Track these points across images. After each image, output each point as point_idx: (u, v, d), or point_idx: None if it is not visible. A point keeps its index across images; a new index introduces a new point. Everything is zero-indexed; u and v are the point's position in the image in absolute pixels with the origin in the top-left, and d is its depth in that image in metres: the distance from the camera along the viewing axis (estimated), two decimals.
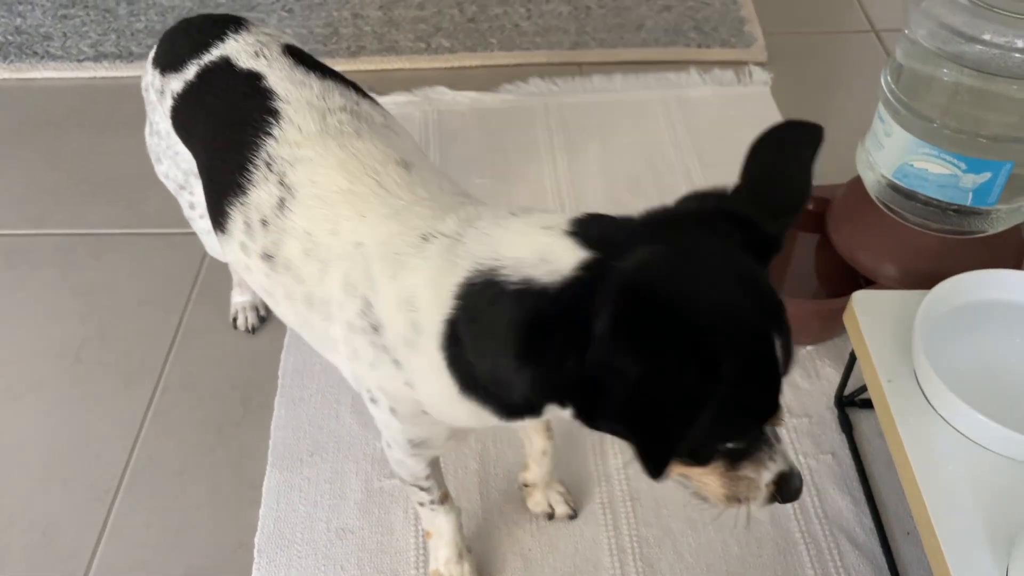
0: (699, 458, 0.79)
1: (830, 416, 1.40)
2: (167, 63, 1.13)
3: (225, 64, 1.07)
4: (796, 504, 1.28)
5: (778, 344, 0.73)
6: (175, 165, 1.21)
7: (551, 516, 1.27)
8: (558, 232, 0.77)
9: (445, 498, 1.13)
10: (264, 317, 1.54)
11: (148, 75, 1.18)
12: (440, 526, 1.15)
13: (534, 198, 1.80)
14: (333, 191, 0.92)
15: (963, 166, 1.28)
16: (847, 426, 1.37)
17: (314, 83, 1.03)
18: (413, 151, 1.00)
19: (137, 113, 1.29)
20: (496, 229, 0.82)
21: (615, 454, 1.35)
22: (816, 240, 1.63)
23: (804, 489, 1.29)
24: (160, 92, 1.14)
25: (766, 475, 0.80)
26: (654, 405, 0.69)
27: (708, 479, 0.81)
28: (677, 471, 0.81)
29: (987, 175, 1.28)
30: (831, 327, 1.48)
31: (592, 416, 0.76)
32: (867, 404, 1.38)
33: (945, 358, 1.11)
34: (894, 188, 1.39)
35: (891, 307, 1.22)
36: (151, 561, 1.26)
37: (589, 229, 0.77)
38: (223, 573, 1.24)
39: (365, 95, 1.07)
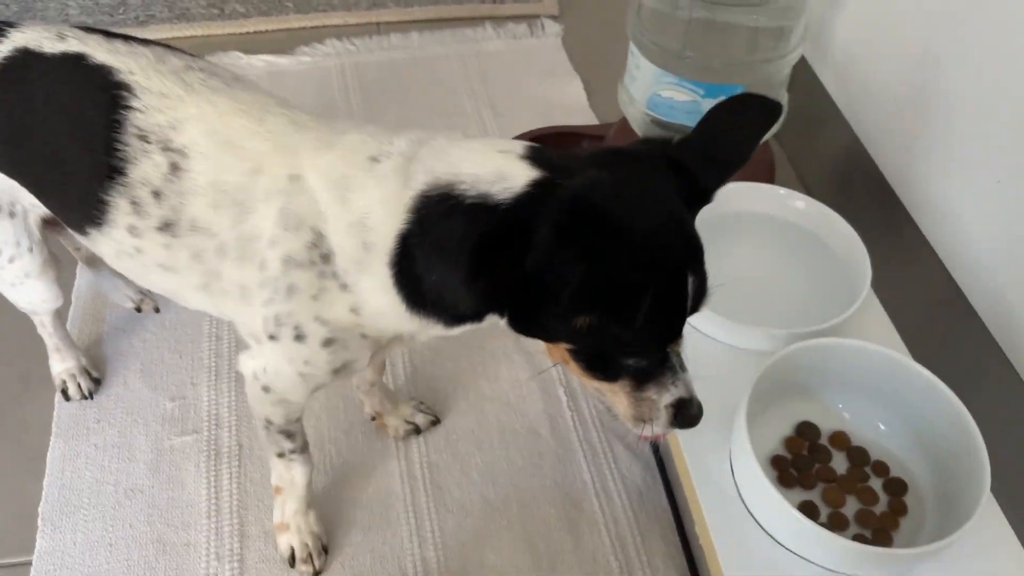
0: (608, 373, 0.85)
1: None
2: None
3: (27, 55, 0.97)
4: (575, 415, 1.37)
5: (691, 280, 0.79)
6: None
7: (417, 430, 1.32)
8: (513, 155, 0.82)
9: (305, 447, 1.13)
10: (98, 378, 1.40)
11: None
12: (295, 479, 1.15)
13: None
14: (242, 134, 0.90)
15: (701, 91, 1.39)
16: None
17: (143, 51, 0.97)
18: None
19: None
20: (454, 148, 0.86)
21: (410, 387, 1.40)
22: None
23: (583, 401, 1.39)
24: None
25: (666, 397, 0.85)
26: (601, 296, 0.75)
27: (616, 398, 0.87)
28: (591, 385, 0.88)
29: (722, 98, 1.39)
30: None
31: (527, 322, 0.83)
32: None
33: None
34: (652, 120, 1.49)
35: None
36: None
37: (542, 155, 0.83)
38: (5, 547, 1.21)
39: (193, 55, 1.02)
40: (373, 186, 0.85)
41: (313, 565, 1.17)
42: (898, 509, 1.02)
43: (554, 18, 2.22)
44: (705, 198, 0.86)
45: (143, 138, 0.91)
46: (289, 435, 1.09)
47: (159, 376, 1.41)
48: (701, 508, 0.99)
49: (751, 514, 0.98)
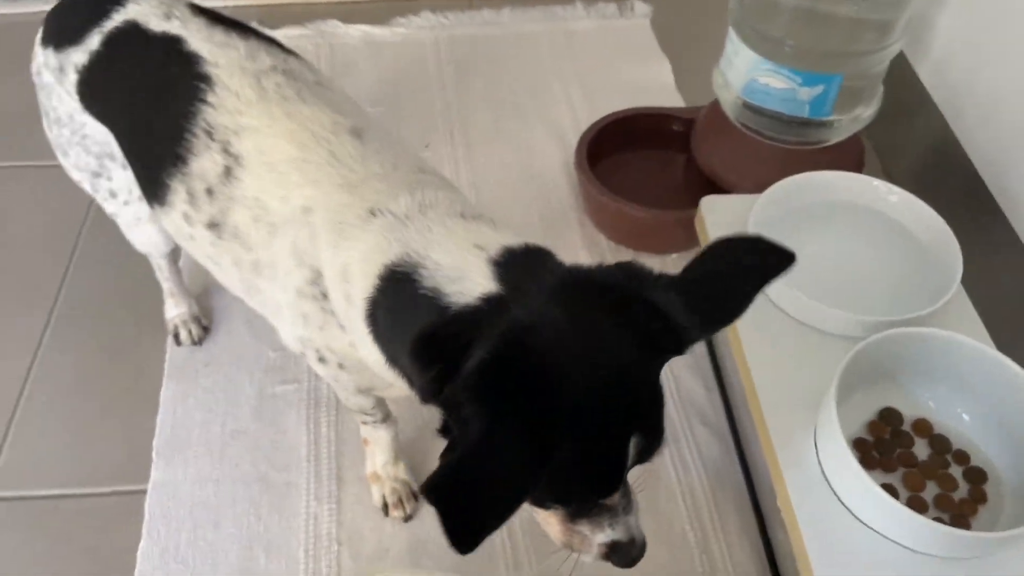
0: (537, 502, 0.81)
1: None
2: (62, 38, 1.07)
3: (134, 29, 1.02)
4: None
5: (634, 441, 0.74)
6: (85, 151, 1.14)
7: None
8: (484, 257, 0.79)
9: (387, 417, 1.20)
10: (207, 326, 1.48)
11: (38, 58, 1.11)
12: (380, 436, 1.22)
13: (423, 127, 1.87)
14: (283, 160, 0.91)
15: (799, 80, 1.41)
16: None
17: (238, 44, 0.99)
18: (357, 113, 0.99)
19: (23, 51, 1.27)
20: (438, 227, 0.83)
21: None
22: (684, 159, 1.75)
23: (664, 376, 1.44)
24: (58, 70, 1.08)
25: (600, 537, 0.83)
26: (481, 472, 0.68)
27: (548, 521, 0.85)
28: (537, 514, 0.86)
29: (820, 88, 1.41)
30: (694, 236, 1.61)
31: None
32: None
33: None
34: (746, 105, 1.51)
35: (734, 209, 1.35)
36: (50, 470, 1.32)
37: (512, 265, 0.79)
38: (122, 477, 1.31)
39: (289, 51, 1.05)
40: (360, 241, 0.84)
41: (404, 510, 1.24)
42: (977, 497, 1.05)
43: None
44: (678, 350, 0.77)
45: (209, 133, 0.94)
46: (367, 414, 1.16)
47: (263, 327, 1.48)
48: (785, 484, 1.03)
49: (834, 493, 1.01)
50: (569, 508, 0.82)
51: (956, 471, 1.08)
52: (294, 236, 0.90)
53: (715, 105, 1.66)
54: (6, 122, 1.87)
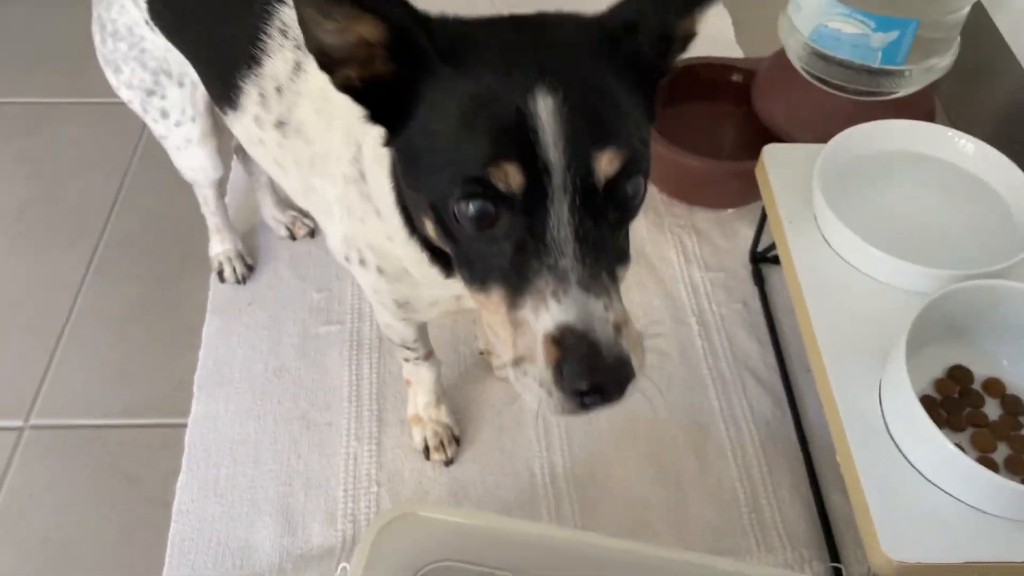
0: (473, 266, 0.65)
1: (744, 271, 1.48)
2: None
3: None
4: (706, 344, 1.37)
5: (544, 99, 0.59)
6: (141, 66, 1.12)
7: None
8: None
9: (430, 355, 1.17)
10: (251, 265, 1.46)
11: None
12: (422, 376, 1.20)
13: None
14: None
15: (872, 24, 1.34)
16: (759, 279, 1.46)
17: None
18: None
19: None
20: None
21: None
22: (743, 112, 1.69)
23: (715, 332, 1.39)
24: None
25: (544, 319, 0.58)
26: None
27: (499, 327, 0.64)
28: (483, 315, 0.67)
29: (895, 33, 1.34)
30: (749, 190, 1.55)
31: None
32: (777, 260, 1.46)
33: (846, 201, 1.19)
34: (813, 52, 1.44)
35: (798, 159, 1.29)
36: (93, 400, 1.32)
37: None
38: (163, 409, 1.30)
39: None
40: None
41: (445, 453, 1.22)
42: None
43: None
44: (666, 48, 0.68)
45: (284, 32, 0.92)
46: (410, 348, 1.13)
47: (307, 268, 1.48)
48: (847, 439, 0.98)
49: (899, 449, 0.96)
50: (512, 264, 0.61)
51: None
52: (347, 118, 0.86)
53: (779, 55, 1.59)
54: (57, 59, 1.86)
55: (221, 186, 1.38)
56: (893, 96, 1.45)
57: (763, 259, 1.48)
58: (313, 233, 1.52)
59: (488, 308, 0.64)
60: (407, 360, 1.17)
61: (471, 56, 0.64)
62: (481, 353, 1.35)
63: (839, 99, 1.46)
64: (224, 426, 1.27)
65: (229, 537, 1.15)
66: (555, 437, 1.26)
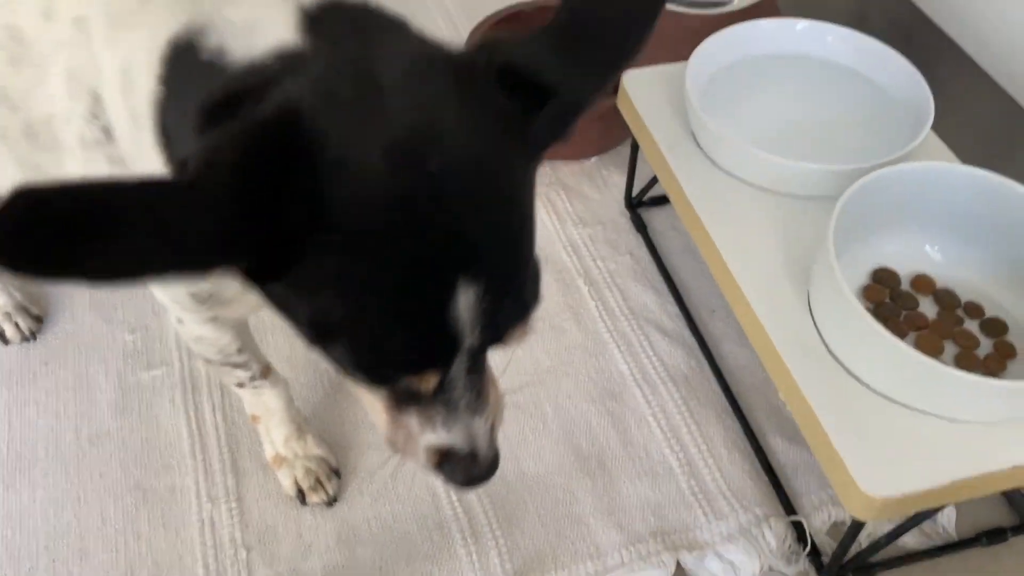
0: (339, 365, 0.56)
1: (623, 220, 1.33)
2: None
3: None
4: (600, 305, 1.21)
5: (468, 290, 0.50)
6: None
7: None
8: (293, 5, 0.54)
9: (267, 371, 0.94)
10: (39, 315, 1.17)
11: None
12: (269, 404, 0.97)
13: None
14: None
15: None
16: (641, 226, 1.31)
17: None
18: None
19: None
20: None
21: None
22: None
23: (606, 290, 1.24)
24: None
25: (429, 438, 0.60)
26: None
27: (373, 407, 0.63)
28: (346, 375, 0.58)
29: None
30: (610, 132, 1.41)
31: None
32: (657, 201, 1.33)
33: (722, 114, 1.06)
34: None
35: (662, 80, 1.15)
36: None
37: (337, 21, 0.55)
38: None
39: None
40: (142, 27, 0.58)
41: (326, 492, 0.99)
42: (1004, 351, 0.89)
43: None
44: (557, 127, 0.55)
45: None
46: (236, 365, 0.90)
47: (112, 308, 1.20)
48: (787, 368, 0.84)
49: (845, 368, 0.83)
50: (383, 386, 0.59)
51: (972, 326, 0.92)
52: (68, 59, 0.63)
53: None
54: None
55: None
56: (738, 7, 1.35)
57: (640, 204, 1.33)
58: (34, 335, 1.18)
59: (367, 397, 0.62)
60: (242, 386, 0.94)
61: (371, 228, 0.48)
62: None
63: (685, 17, 1.35)
64: (34, 521, 0.99)
65: None
66: None
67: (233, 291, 0.73)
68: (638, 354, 1.15)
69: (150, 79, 0.57)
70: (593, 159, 1.43)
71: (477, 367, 0.58)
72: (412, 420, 0.60)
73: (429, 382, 0.56)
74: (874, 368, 0.81)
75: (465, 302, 0.50)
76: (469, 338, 0.52)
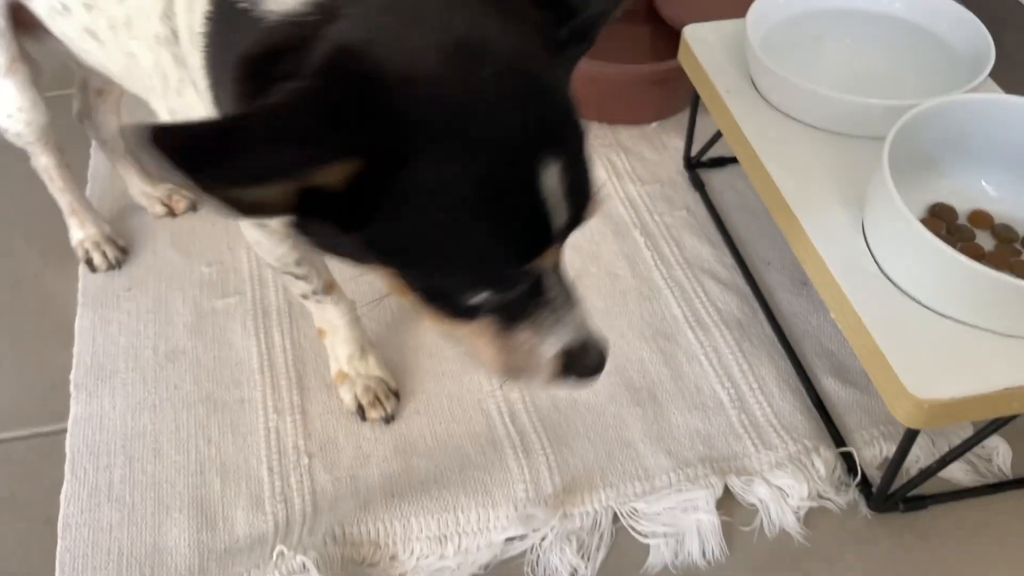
0: (458, 310, 0.62)
1: (681, 179, 1.36)
2: None
3: None
4: (655, 254, 1.24)
5: (549, 170, 0.55)
6: None
7: None
8: None
9: (330, 288, 0.98)
10: (124, 247, 1.24)
11: None
12: (333, 320, 1.02)
13: None
14: None
15: None
16: (699, 184, 1.34)
17: None
18: None
19: None
20: None
21: None
22: (649, 30, 1.59)
23: (662, 241, 1.26)
24: None
25: (551, 343, 0.63)
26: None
27: (479, 343, 0.65)
28: (440, 327, 0.65)
29: None
30: (671, 99, 1.44)
31: (312, 227, 0.58)
32: (715, 163, 1.36)
33: (782, 63, 1.08)
34: None
35: (723, 33, 1.19)
36: None
37: None
38: (35, 418, 1.08)
39: None
40: None
41: (384, 409, 1.03)
42: None
43: None
44: (585, 35, 0.60)
45: None
46: (297, 276, 0.95)
47: (192, 243, 1.28)
48: (841, 288, 0.86)
49: (900, 288, 0.85)
50: (502, 300, 0.61)
51: None
52: None
53: None
54: None
55: (60, 154, 1.16)
56: None
57: (699, 164, 1.36)
58: (196, 206, 1.32)
59: (467, 333, 0.64)
60: (305, 298, 0.99)
61: (454, 127, 0.53)
62: None
63: None
64: (112, 424, 1.05)
65: (133, 544, 0.94)
66: None
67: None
68: (692, 300, 1.17)
69: (203, 7, 0.63)
70: (653, 124, 1.46)
71: (559, 259, 0.62)
72: (525, 336, 0.63)
73: (535, 270, 0.59)
74: (924, 282, 0.82)
75: (553, 177, 0.55)
76: (562, 215, 0.57)
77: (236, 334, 1.15)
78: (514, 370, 0.66)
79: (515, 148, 0.54)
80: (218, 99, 0.65)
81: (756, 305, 1.16)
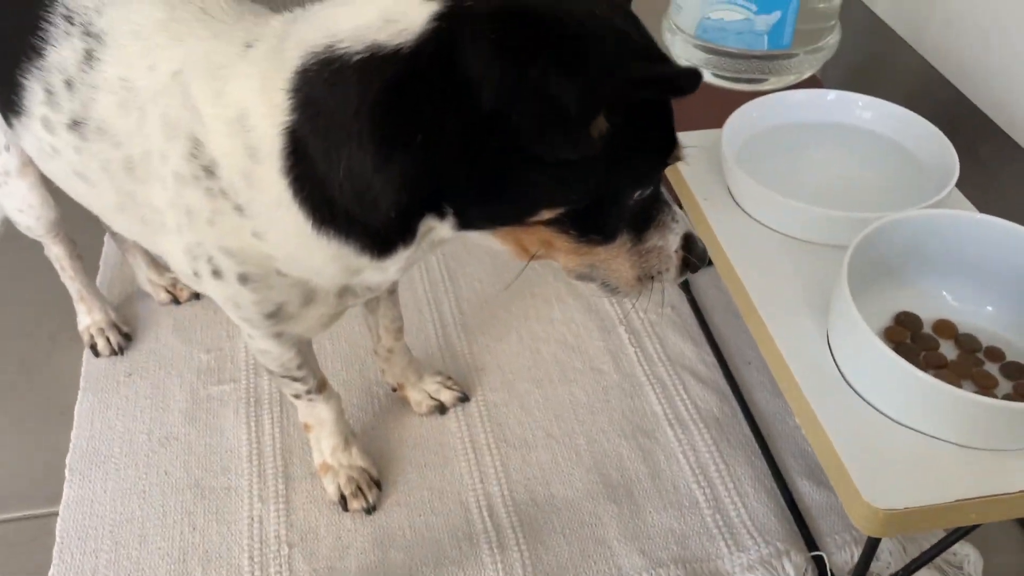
0: (606, 230, 0.72)
1: None
2: None
3: None
4: (639, 351, 1.27)
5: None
6: None
7: (442, 408, 1.19)
8: None
9: (323, 386, 1.03)
10: (128, 333, 1.31)
11: None
12: (321, 416, 1.05)
13: None
14: (149, 24, 0.79)
15: (754, 7, 1.33)
16: (684, 282, 1.37)
17: None
18: None
19: None
20: (328, 9, 0.70)
21: (458, 336, 1.30)
22: None
23: (646, 338, 1.30)
24: None
25: (673, 239, 0.76)
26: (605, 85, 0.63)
27: (616, 262, 0.75)
28: (581, 263, 0.76)
29: (777, 14, 1.33)
30: None
31: (490, 198, 0.68)
32: None
33: (755, 171, 1.13)
34: (700, 48, 1.43)
35: (702, 142, 1.24)
36: None
37: None
38: (29, 501, 1.11)
39: None
40: (249, 74, 0.70)
41: (366, 499, 1.06)
42: (1023, 392, 0.91)
43: None
44: None
45: (68, 19, 0.82)
46: (296, 379, 0.99)
47: (193, 331, 1.33)
48: (803, 395, 0.88)
49: (862, 396, 0.87)
50: (638, 213, 0.73)
51: (992, 368, 0.95)
52: (164, 108, 0.75)
53: None
54: None
55: (71, 244, 1.22)
56: (784, 87, 1.43)
57: None
58: (199, 295, 1.38)
59: (606, 256, 0.74)
60: (298, 397, 1.02)
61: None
62: (394, 390, 1.21)
63: (734, 94, 1.44)
64: (103, 508, 1.09)
65: None
66: (488, 466, 1.12)
67: (295, 306, 0.83)
68: (672, 396, 1.20)
69: (272, 108, 0.68)
70: None
71: None
72: (655, 239, 0.75)
73: (679, 154, 0.74)
74: (884, 392, 0.85)
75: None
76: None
77: (228, 421, 1.19)
78: (646, 277, 0.76)
79: (652, 61, 0.68)
80: (321, 206, 0.70)
81: (735, 404, 1.19)
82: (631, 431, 1.16)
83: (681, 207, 1.26)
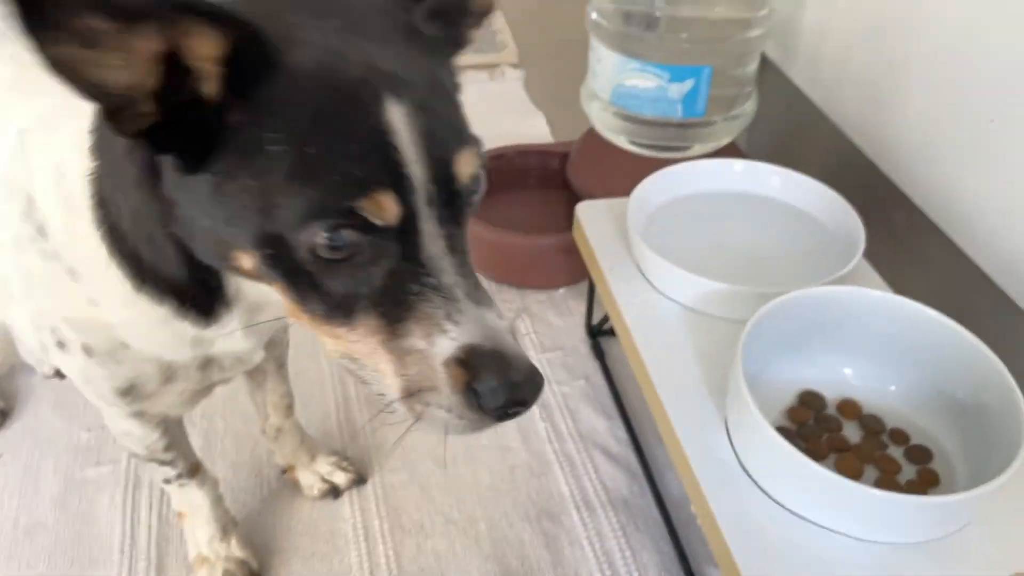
0: (329, 303, 0.55)
1: (583, 347, 1.36)
2: None
3: None
4: (550, 426, 1.21)
5: (399, 110, 0.52)
6: None
7: (336, 492, 1.11)
8: None
9: (195, 470, 0.95)
10: (4, 409, 1.22)
11: None
12: (194, 502, 0.97)
13: None
14: (2, 83, 0.74)
15: (667, 75, 1.31)
16: (599, 352, 1.33)
17: None
18: None
19: None
20: None
21: (359, 409, 1.24)
22: (565, 196, 1.62)
23: (557, 413, 1.24)
24: None
25: (443, 344, 0.53)
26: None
27: (372, 359, 0.56)
28: (336, 346, 0.58)
29: (690, 82, 1.32)
30: (580, 264, 1.46)
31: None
32: (615, 332, 1.36)
33: (661, 243, 1.10)
34: (616, 115, 1.41)
35: (611, 211, 1.21)
36: None
37: None
38: None
39: None
40: (71, 123, 0.65)
41: None
42: (927, 478, 0.87)
43: (514, 66, 2.19)
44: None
45: None
46: (163, 463, 0.92)
47: (75, 407, 1.24)
48: (699, 485, 0.83)
49: (758, 485, 0.82)
50: (373, 292, 0.54)
51: (896, 452, 0.91)
52: (7, 167, 0.69)
53: (589, 132, 1.56)
54: None
55: None
56: (703, 154, 1.42)
57: (601, 332, 1.36)
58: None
59: (360, 348, 0.56)
60: (168, 483, 0.94)
61: (295, 58, 0.53)
62: (284, 472, 1.13)
63: (651, 161, 1.42)
64: None
65: None
66: (380, 556, 1.04)
67: (153, 382, 0.76)
68: (581, 476, 1.14)
69: (81, 158, 0.63)
70: (561, 290, 1.47)
71: (453, 241, 0.55)
72: (415, 334, 0.53)
73: (387, 208, 0.52)
74: (779, 482, 0.80)
75: (397, 117, 0.52)
76: (416, 162, 0.52)
77: (102, 507, 1.10)
78: (410, 391, 0.54)
79: (358, 86, 0.52)
80: (133, 261, 0.64)
81: (645, 484, 1.13)
82: (536, 514, 1.09)
83: (592, 286, 1.22)
